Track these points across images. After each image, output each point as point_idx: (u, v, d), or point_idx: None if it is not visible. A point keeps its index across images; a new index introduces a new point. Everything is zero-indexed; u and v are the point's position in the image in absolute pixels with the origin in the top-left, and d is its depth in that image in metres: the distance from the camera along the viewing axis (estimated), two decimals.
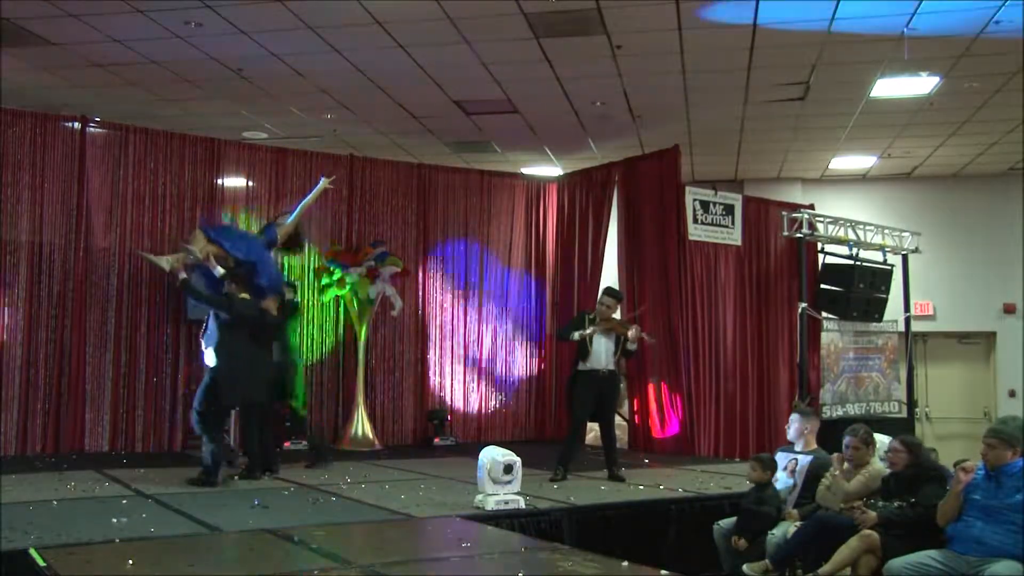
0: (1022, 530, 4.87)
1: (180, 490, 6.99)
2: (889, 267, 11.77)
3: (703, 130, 11.66)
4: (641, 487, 7.42)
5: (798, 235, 11.09)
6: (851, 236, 11.45)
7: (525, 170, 13.21)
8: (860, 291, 11.26)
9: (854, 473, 5.90)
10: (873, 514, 5.50)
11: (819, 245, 11.60)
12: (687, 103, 10.59)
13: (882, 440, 6.22)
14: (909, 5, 7.88)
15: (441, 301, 11.73)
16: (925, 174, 13.88)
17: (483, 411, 11.85)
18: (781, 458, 6.61)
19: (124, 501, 6.41)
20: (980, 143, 12.25)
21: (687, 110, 10.85)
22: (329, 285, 10.49)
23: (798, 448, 6.62)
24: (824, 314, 11.33)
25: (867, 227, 11.67)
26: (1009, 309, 13.69)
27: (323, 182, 8.65)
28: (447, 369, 11.69)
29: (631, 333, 8.01)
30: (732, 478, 7.74)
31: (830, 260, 11.62)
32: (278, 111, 11.05)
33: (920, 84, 9.84)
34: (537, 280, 12.32)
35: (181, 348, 9.95)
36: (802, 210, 11.37)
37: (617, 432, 8.66)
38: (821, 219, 11.56)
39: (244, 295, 7.43)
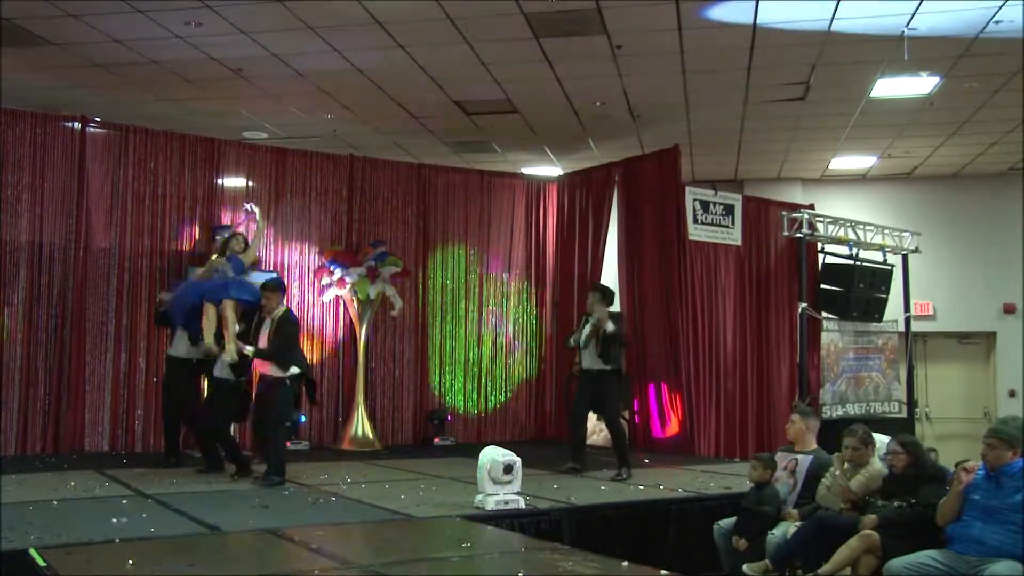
0: (1022, 530, 4.87)
1: (180, 490, 6.98)
2: (889, 267, 11.77)
3: (703, 130, 11.66)
4: (641, 487, 7.42)
5: (798, 235, 11.10)
6: (851, 236, 11.45)
7: (525, 170, 13.21)
8: (860, 291, 11.26)
9: (854, 473, 5.90)
10: (873, 516, 5.50)
11: (819, 245, 11.60)
12: (687, 103, 10.59)
13: (882, 440, 6.22)
14: (909, 5, 7.89)
15: (441, 301, 11.73)
16: (925, 174, 13.88)
17: (483, 411, 11.85)
18: (781, 458, 6.61)
19: (124, 501, 6.41)
20: (980, 143, 12.26)
21: (687, 110, 10.85)
22: (329, 285, 10.50)
23: (798, 448, 6.62)
24: (824, 314, 11.34)
25: (867, 227, 11.68)
26: (1009, 309, 13.69)
27: (257, 213, 8.96)
28: (447, 369, 11.70)
29: (595, 316, 8.19)
30: (732, 478, 7.74)
31: (830, 260, 11.63)
32: (278, 111, 11.05)
33: (920, 84, 9.84)
34: (537, 280, 12.33)
35: None
36: (802, 210, 11.38)
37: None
38: (821, 219, 11.57)
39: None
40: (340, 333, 11.02)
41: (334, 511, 6.29)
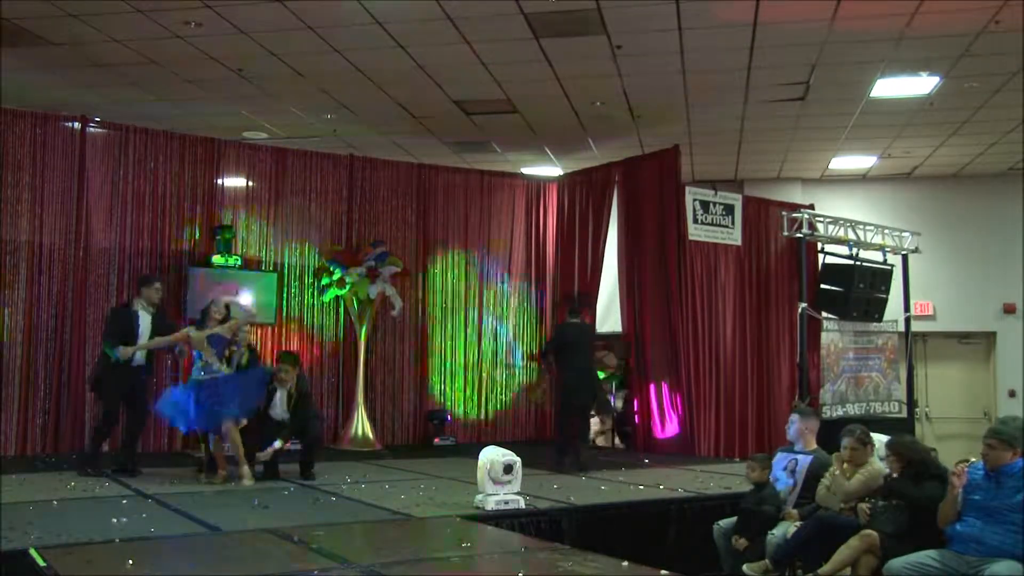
0: (1022, 530, 4.87)
1: (180, 490, 6.99)
2: (889, 267, 11.77)
3: (703, 130, 11.66)
4: (641, 487, 7.41)
5: (798, 235, 11.10)
6: (851, 236, 11.46)
7: (525, 170, 13.21)
8: (860, 291, 11.26)
9: (853, 473, 5.90)
10: (864, 506, 5.52)
11: (819, 245, 11.60)
12: (687, 103, 10.59)
13: (881, 440, 6.22)
14: (909, 5, 7.88)
15: (441, 301, 11.72)
16: (925, 174, 13.88)
17: (483, 411, 11.85)
18: (781, 458, 6.61)
19: (124, 501, 6.41)
20: (980, 143, 12.25)
21: (687, 110, 10.85)
22: (329, 285, 10.49)
23: (798, 448, 6.61)
24: (824, 314, 11.33)
25: (867, 227, 11.68)
26: (1009, 309, 13.69)
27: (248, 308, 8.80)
28: (447, 369, 11.70)
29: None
30: (732, 478, 7.74)
31: (830, 260, 11.63)
32: (278, 111, 11.05)
33: (920, 84, 9.84)
34: (537, 280, 12.33)
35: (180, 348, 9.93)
36: (802, 210, 11.38)
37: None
38: (821, 219, 11.57)
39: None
40: (340, 333, 11.02)
41: (334, 511, 6.29)
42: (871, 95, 10.21)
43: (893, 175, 14.05)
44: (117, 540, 4.95)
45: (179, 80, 9.95)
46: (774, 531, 5.98)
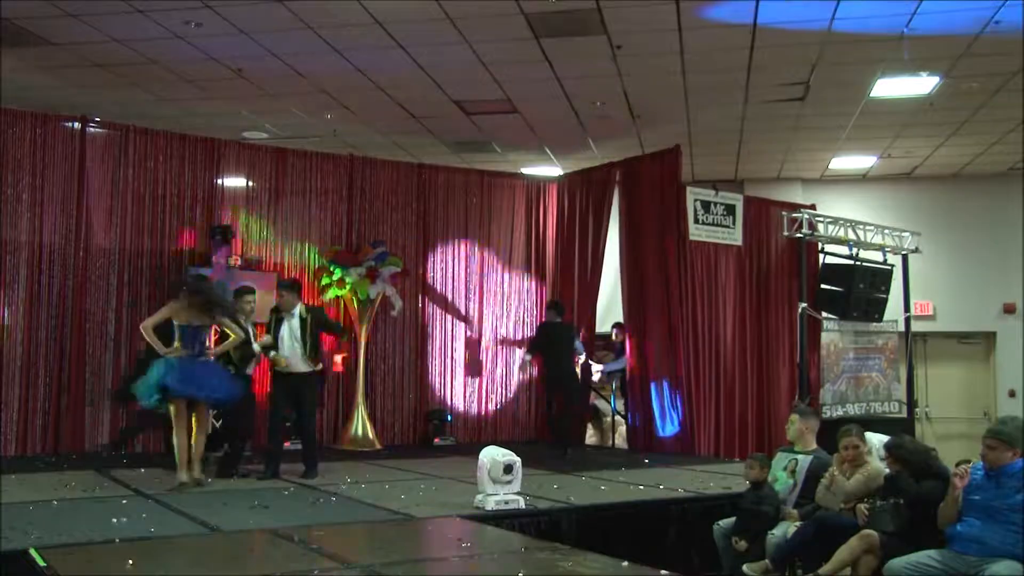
0: (1022, 530, 4.87)
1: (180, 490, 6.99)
2: (889, 267, 11.77)
3: (703, 130, 11.66)
4: (641, 487, 7.41)
5: (798, 235, 11.10)
6: (851, 236, 11.46)
7: (525, 170, 13.21)
8: (860, 291, 11.25)
9: (853, 473, 5.90)
10: (862, 507, 5.52)
11: (819, 245, 11.60)
12: (687, 103, 10.59)
13: (881, 440, 6.22)
14: (909, 5, 7.88)
15: (441, 301, 11.72)
16: (925, 174, 13.88)
17: (483, 411, 11.85)
18: (781, 458, 6.61)
19: (124, 501, 6.41)
20: (980, 143, 12.25)
21: (687, 110, 10.85)
22: (329, 285, 10.49)
23: (798, 448, 6.61)
24: (824, 314, 11.33)
25: (867, 227, 11.68)
26: (1009, 309, 13.69)
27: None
28: (447, 369, 11.70)
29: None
30: (732, 478, 7.73)
31: (830, 260, 11.62)
32: (278, 111, 11.05)
33: (920, 84, 9.83)
34: (537, 280, 12.33)
35: None
36: (802, 210, 11.37)
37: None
38: (821, 219, 11.57)
39: None
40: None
41: (334, 511, 6.29)
42: (871, 95, 10.21)
43: (893, 175, 14.05)
44: (117, 540, 4.95)
45: (179, 80, 9.95)
46: (774, 531, 5.98)
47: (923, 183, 14.05)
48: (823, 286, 11.50)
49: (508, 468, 6.02)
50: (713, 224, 10.86)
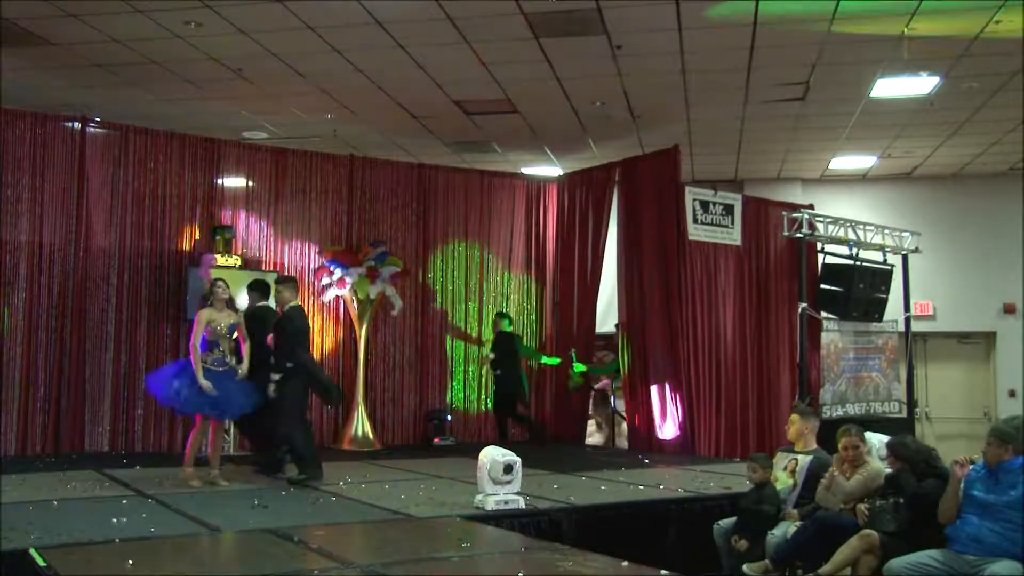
0: (1020, 527, 4.88)
1: (180, 490, 6.99)
2: (889, 267, 11.77)
3: (703, 130, 11.66)
4: (641, 487, 7.41)
5: (798, 235, 11.09)
6: (851, 236, 11.45)
7: (525, 170, 13.21)
8: (860, 291, 11.25)
9: (853, 473, 5.90)
10: (862, 507, 5.52)
11: (819, 245, 11.59)
12: (687, 103, 10.59)
13: (881, 439, 6.22)
14: (909, 5, 7.88)
15: (441, 301, 11.72)
16: (925, 174, 13.88)
17: (483, 411, 11.84)
18: (781, 458, 6.61)
19: (124, 501, 6.41)
20: (980, 143, 12.25)
21: (687, 110, 10.85)
22: (329, 285, 10.50)
23: (798, 448, 6.62)
24: (824, 314, 11.32)
25: (867, 227, 11.67)
26: (1009, 309, 13.69)
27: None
28: (447, 369, 11.69)
29: None
30: (732, 478, 7.73)
31: (830, 260, 11.62)
32: (278, 111, 11.05)
33: (920, 84, 9.83)
34: (537, 280, 12.32)
35: (181, 348, 9.91)
36: (802, 210, 11.37)
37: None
38: (821, 219, 11.56)
39: None
40: (340, 333, 11.02)
41: (334, 511, 6.29)
42: (871, 95, 10.21)
43: (893, 175, 14.05)
44: (117, 540, 4.95)
45: (179, 80, 9.95)
46: (774, 531, 5.98)
47: (923, 183, 14.05)
48: (823, 286, 11.50)
49: (508, 468, 6.02)
50: (712, 224, 10.87)
